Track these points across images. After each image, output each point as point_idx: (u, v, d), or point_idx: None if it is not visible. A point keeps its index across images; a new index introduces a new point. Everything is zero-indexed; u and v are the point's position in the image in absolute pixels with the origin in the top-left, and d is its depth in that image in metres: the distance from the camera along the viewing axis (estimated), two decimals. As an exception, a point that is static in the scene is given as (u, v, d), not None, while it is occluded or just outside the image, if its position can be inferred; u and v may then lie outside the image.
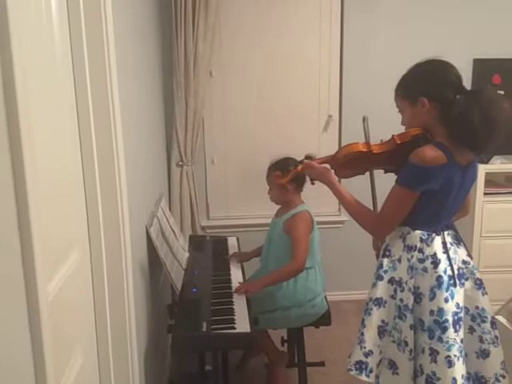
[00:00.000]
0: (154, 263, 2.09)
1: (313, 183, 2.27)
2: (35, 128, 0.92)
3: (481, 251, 3.03)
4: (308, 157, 1.99)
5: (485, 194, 2.97)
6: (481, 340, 1.62)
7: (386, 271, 1.63)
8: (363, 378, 1.61)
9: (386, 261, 1.64)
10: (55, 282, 1.06)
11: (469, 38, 3.18)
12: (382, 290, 1.62)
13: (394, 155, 1.62)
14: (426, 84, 1.56)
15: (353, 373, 1.62)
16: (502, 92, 3.18)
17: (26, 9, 0.95)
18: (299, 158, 2.12)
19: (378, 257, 1.85)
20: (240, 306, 1.94)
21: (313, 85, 3.29)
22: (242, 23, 3.16)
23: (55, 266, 1.07)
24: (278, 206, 2.41)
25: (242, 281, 2.22)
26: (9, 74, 0.72)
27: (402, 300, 1.59)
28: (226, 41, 3.15)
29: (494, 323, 1.63)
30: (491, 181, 3.07)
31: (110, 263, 1.39)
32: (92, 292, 1.37)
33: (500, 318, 2.08)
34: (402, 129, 1.68)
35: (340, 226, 3.41)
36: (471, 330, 1.63)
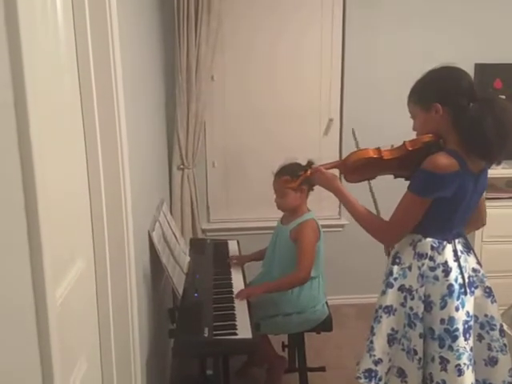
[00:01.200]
0: (156, 267, 2.08)
1: (312, 189, 2.26)
2: (42, 137, 0.91)
3: (482, 256, 3.02)
4: (310, 162, 1.99)
5: (486, 198, 2.96)
6: (489, 348, 1.62)
7: (395, 279, 1.62)
8: None
9: (395, 268, 1.63)
10: (61, 290, 1.06)
11: (470, 42, 3.18)
12: (391, 297, 1.62)
13: (404, 161, 1.61)
14: (439, 90, 1.56)
15: (362, 381, 1.61)
16: (504, 97, 3.19)
17: (33, 21, 0.95)
18: (300, 163, 2.13)
19: (388, 254, 1.84)
20: (241, 311, 1.94)
21: (314, 88, 3.29)
22: (244, 27, 3.16)
23: (61, 274, 1.07)
24: (280, 212, 2.39)
25: (243, 285, 2.22)
26: (19, 77, 0.72)
27: (411, 308, 1.58)
28: (228, 45, 3.15)
29: (502, 331, 1.64)
30: (492, 186, 3.07)
31: (114, 270, 1.39)
32: (96, 299, 1.37)
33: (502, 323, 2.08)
34: (405, 132, 1.67)
35: (340, 229, 3.41)
36: (480, 337, 1.63)
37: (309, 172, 1.79)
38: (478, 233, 3.05)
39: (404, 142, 1.63)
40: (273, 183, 2.30)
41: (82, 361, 1.22)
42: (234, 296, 2.06)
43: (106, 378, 1.42)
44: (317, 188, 2.03)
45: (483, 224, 1.78)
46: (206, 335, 1.72)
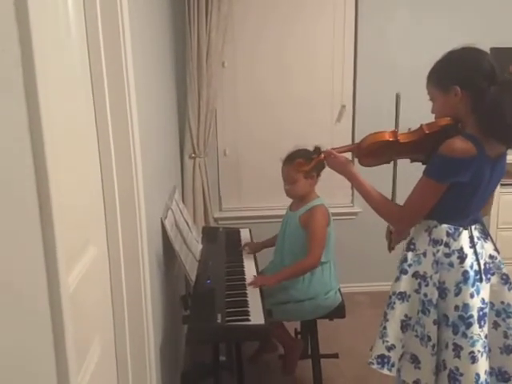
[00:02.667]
0: (169, 255, 2.10)
1: (319, 174, 2.24)
2: (54, 124, 0.92)
3: (497, 243, 2.99)
4: (317, 148, 1.98)
5: (501, 185, 2.93)
6: (505, 335, 1.60)
7: (410, 265, 1.61)
8: (385, 371, 1.61)
9: (410, 254, 1.62)
10: (74, 276, 1.07)
11: (486, 26, 3.11)
12: (405, 284, 1.61)
13: (421, 145, 1.59)
14: (459, 71, 1.52)
15: (374, 366, 1.62)
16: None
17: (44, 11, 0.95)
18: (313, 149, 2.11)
19: (389, 247, 1.83)
20: (254, 297, 1.94)
21: (326, 75, 3.25)
22: (255, 13, 3.13)
23: (74, 260, 1.08)
24: (291, 199, 2.39)
25: (255, 272, 2.23)
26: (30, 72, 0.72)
27: (426, 295, 1.57)
28: (239, 31, 3.13)
29: None
30: (508, 171, 3.02)
31: (127, 257, 1.40)
32: (110, 285, 1.38)
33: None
34: (421, 117, 1.64)
35: (353, 217, 3.39)
36: (495, 325, 1.61)
37: (322, 155, 1.77)
38: (493, 219, 3.03)
39: (421, 124, 1.60)
40: (282, 170, 2.30)
41: (96, 346, 1.23)
42: (246, 283, 2.07)
43: (120, 364, 1.44)
44: (329, 176, 2.02)
45: (486, 214, 1.74)
46: (219, 321, 1.73)
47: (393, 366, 1.61)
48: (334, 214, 3.00)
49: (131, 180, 1.38)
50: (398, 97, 1.71)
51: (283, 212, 2.49)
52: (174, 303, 2.30)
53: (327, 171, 1.89)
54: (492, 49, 3.08)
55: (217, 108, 3.17)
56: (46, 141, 0.73)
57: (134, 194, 1.39)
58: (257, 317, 1.78)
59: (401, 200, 1.64)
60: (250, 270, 2.26)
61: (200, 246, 2.46)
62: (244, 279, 2.13)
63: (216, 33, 2.89)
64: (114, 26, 1.30)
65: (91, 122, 1.28)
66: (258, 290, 2.02)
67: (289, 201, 2.40)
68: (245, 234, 2.75)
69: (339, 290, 2.34)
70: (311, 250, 2.14)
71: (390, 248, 1.84)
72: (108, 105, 1.30)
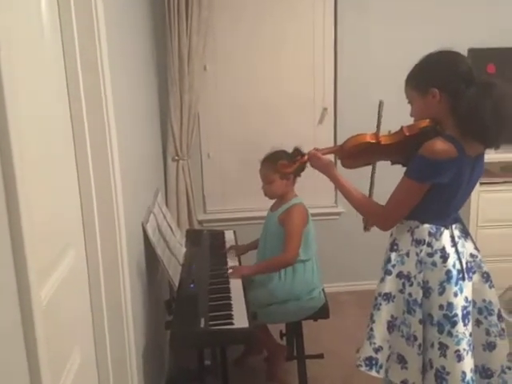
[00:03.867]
0: (151, 259, 2.08)
1: (299, 175, 2.28)
2: (24, 121, 0.90)
3: (477, 241, 3.02)
4: (296, 150, 1.98)
5: (481, 183, 2.97)
6: (487, 333, 1.62)
7: (394, 265, 1.62)
8: (373, 373, 1.61)
9: (393, 255, 1.63)
10: (51, 283, 1.05)
11: (464, 27, 3.15)
12: (390, 284, 1.61)
13: (402, 147, 1.60)
14: (437, 74, 1.54)
15: (363, 369, 1.62)
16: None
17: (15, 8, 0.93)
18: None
19: (365, 228, 1.82)
20: (238, 301, 1.94)
21: (308, 78, 3.26)
22: (236, 17, 3.13)
23: (51, 266, 1.07)
24: (273, 200, 2.41)
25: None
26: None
27: (410, 294, 1.58)
28: (220, 35, 3.13)
29: (500, 316, 1.64)
30: (487, 170, 3.07)
31: (107, 261, 1.38)
32: (88, 291, 1.37)
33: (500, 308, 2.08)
34: (402, 119, 1.66)
35: (337, 217, 3.41)
36: (478, 322, 1.63)
37: (306, 157, 1.78)
38: (473, 218, 3.06)
39: (402, 127, 1.61)
40: (259, 170, 2.34)
41: (76, 355, 1.21)
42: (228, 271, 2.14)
43: (101, 372, 1.42)
44: (313, 176, 2.02)
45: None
46: (202, 326, 1.72)
47: (381, 367, 1.61)
48: (318, 214, 3.01)
49: (109, 184, 1.37)
50: (380, 104, 1.73)
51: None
52: (157, 308, 2.28)
53: (312, 172, 1.89)
54: (470, 49, 3.13)
55: (199, 111, 3.16)
56: (14, 151, 0.72)
57: (112, 198, 1.38)
58: (241, 320, 1.77)
59: (379, 200, 1.65)
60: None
61: (183, 250, 2.45)
62: (228, 282, 2.12)
63: (197, 36, 2.88)
64: (90, 29, 1.28)
65: (67, 123, 1.26)
66: (242, 292, 2.01)
67: (272, 202, 2.41)
68: (229, 236, 2.74)
69: (323, 290, 2.35)
70: (286, 246, 2.19)
71: (366, 229, 1.84)
72: (84, 108, 1.29)
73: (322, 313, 2.30)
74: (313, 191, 2.53)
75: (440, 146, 1.47)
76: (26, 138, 0.92)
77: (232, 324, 1.75)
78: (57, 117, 1.19)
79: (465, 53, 3.09)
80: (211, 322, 1.74)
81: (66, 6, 1.23)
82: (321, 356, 2.50)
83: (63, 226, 1.17)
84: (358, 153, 1.67)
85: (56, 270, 1.10)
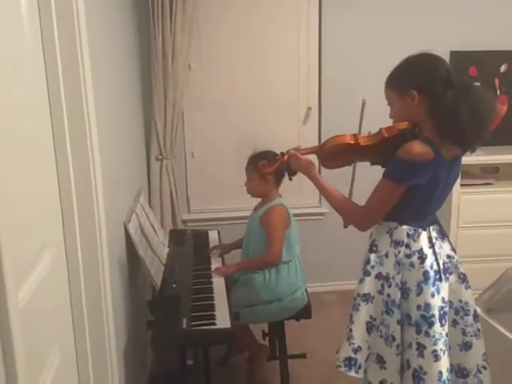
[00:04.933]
0: (133, 259, 2.07)
1: (291, 179, 2.27)
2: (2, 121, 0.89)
3: (458, 241, 3.08)
4: (282, 153, 1.98)
5: (461, 185, 3.02)
6: (463, 333, 1.64)
7: (373, 266, 1.63)
8: (352, 374, 1.62)
9: (373, 256, 1.64)
10: (30, 284, 1.04)
11: (446, 30, 3.20)
12: (369, 285, 1.63)
13: (381, 148, 1.61)
14: (416, 77, 1.55)
15: (342, 369, 1.63)
16: (478, 84, 3.22)
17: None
18: (279, 151, 2.12)
19: (344, 224, 1.82)
20: (220, 301, 1.93)
21: (292, 77, 3.27)
22: (221, 15, 3.12)
23: (29, 267, 1.05)
24: (258, 199, 2.41)
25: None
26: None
27: (389, 295, 1.59)
28: (205, 33, 3.12)
29: (476, 316, 1.66)
30: (467, 172, 3.12)
31: (86, 262, 1.37)
32: (68, 291, 1.35)
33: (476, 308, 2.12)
34: (380, 121, 1.67)
35: (321, 217, 3.42)
36: (454, 323, 1.65)
37: (286, 157, 1.79)
38: (453, 219, 3.10)
39: (380, 128, 1.63)
40: (245, 168, 2.37)
41: (56, 354, 1.20)
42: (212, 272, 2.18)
43: (81, 371, 1.41)
44: (297, 177, 2.04)
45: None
46: (183, 326, 1.71)
47: (360, 367, 1.62)
48: (302, 215, 3.02)
49: (89, 183, 1.35)
50: (363, 104, 1.74)
51: (251, 213, 2.50)
52: (139, 308, 2.27)
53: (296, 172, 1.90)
54: (452, 52, 3.18)
55: (184, 110, 3.15)
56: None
57: (92, 197, 1.36)
58: (223, 320, 1.77)
59: (358, 200, 1.67)
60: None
61: (166, 250, 2.43)
62: (211, 282, 2.12)
63: (181, 34, 2.87)
64: (70, 26, 1.27)
65: (47, 123, 1.25)
66: (224, 293, 2.01)
67: (258, 202, 2.42)
68: (213, 236, 2.74)
69: (306, 290, 2.36)
70: (268, 247, 2.22)
71: (345, 226, 1.84)
72: (64, 106, 1.27)
73: (305, 313, 2.31)
74: (297, 191, 2.54)
75: (417, 148, 1.48)
76: (2, 136, 0.91)
77: (214, 324, 1.75)
78: (36, 116, 1.17)
79: (447, 55, 3.15)
80: (193, 323, 1.74)
81: (45, 3, 1.21)
82: (303, 356, 2.52)
83: (42, 225, 1.16)
84: (337, 153, 1.68)
85: (35, 270, 1.09)
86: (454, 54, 3.18)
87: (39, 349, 1.08)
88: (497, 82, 3.27)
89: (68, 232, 1.31)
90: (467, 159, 3.09)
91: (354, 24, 3.22)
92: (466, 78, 3.18)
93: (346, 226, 1.78)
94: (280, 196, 2.36)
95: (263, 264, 2.25)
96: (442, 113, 1.48)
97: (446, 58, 3.18)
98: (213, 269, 2.23)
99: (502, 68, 3.27)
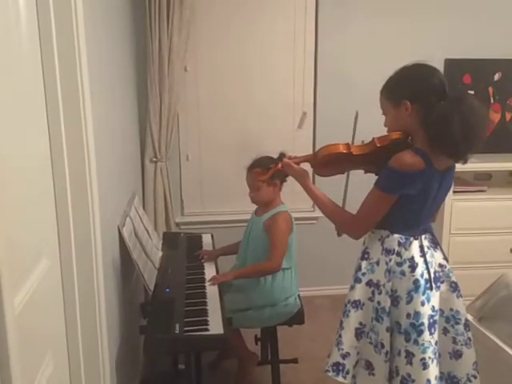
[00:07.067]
0: (127, 262, 2.06)
1: (285, 180, 2.28)
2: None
3: (450, 248, 3.11)
4: (282, 154, 1.99)
5: (454, 192, 3.04)
6: (454, 341, 1.66)
7: (364, 274, 1.64)
8: (340, 379, 1.63)
9: (364, 263, 1.65)
10: (27, 288, 1.03)
11: (440, 38, 3.22)
12: (359, 292, 1.64)
13: (374, 157, 1.63)
14: (409, 87, 1.56)
15: (330, 374, 1.64)
16: (472, 92, 3.25)
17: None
18: (274, 155, 2.12)
19: (338, 233, 1.82)
20: (213, 306, 1.93)
21: (287, 82, 3.28)
22: (218, 19, 3.12)
23: (25, 273, 1.05)
24: (254, 204, 2.40)
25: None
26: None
27: (379, 303, 1.60)
28: (202, 37, 3.12)
29: (467, 325, 1.67)
30: (460, 179, 3.15)
31: (80, 267, 1.36)
32: (62, 295, 1.34)
33: (467, 316, 2.13)
34: (377, 127, 1.68)
35: (314, 222, 3.43)
36: (445, 331, 1.66)
37: (279, 165, 1.79)
38: (446, 225, 3.13)
39: (373, 138, 1.64)
40: (246, 177, 2.32)
41: (49, 360, 1.19)
42: (206, 281, 2.13)
43: (73, 376, 1.40)
44: (290, 181, 2.04)
45: (433, 221, 1.76)
46: (176, 332, 1.71)
47: (347, 373, 1.63)
48: (296, 219, 3.01)
49: (85, 187, 1.35)
50: (356, 116, 1.75)
51: (246, 217, 2.50)
52: (132, 312, 2.26)
53: (289, 177, 1.90)
54: (446, 60, 3.21)
55: (179, 113, 3.14)
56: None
57: (87, 202, 1.36)
58: (216, 326, 1.77)
59: (351, 208, 1.68)
60: (210, 276, 2.23)
61: (160, 254, 2.42)
62: (204, 287, 2.11)
63: (178, 37, 2.87)
64: (68, 29, 1.26)
65: (43, 126, 1.24)
66: (217, 298, 2.00)
67: (251, 206, 2.41)
68: (207, 240, 2.72)
69: (299, 296, 2.36)
70: (272, 254, 2.18)
71: (339, 234, 1.85)
72: (61, 109, 1.26)
73: (298, 318, 2.31)
74: (290, 196, 2.54)
75: (408, 158, 1.49)
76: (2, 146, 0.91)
77: (207, 330, 1.74)
78: (32, 120, 1.16)
79: (441, 63, 3.18)
80: (186, 328, 1.73)
81: (44, 5, 1.21)
82: (295, 361, 2.52)
83: (37, 231, 1.15)
84: (330, 162, 1.69)
85: (31, 275, 1.08)
86: (449, 62, 3.21)
87: (33, 355, 1.08)
88: (491, 90, 3.30)
89: (63, 238, 1.30)
90: (461, 166, 3.09)
91: (351, 31, 3.23)
92: (460, 86, 3.21)
93: (339, 235, 1.78)
94: (283, 203, 2.33)
95: (264, 271, 2.21)
96: (433, 123, 1.49)
97: (441, 65, 3.25)
98: (209, 278, 2.16)
99: (496, 76, 3.30)
